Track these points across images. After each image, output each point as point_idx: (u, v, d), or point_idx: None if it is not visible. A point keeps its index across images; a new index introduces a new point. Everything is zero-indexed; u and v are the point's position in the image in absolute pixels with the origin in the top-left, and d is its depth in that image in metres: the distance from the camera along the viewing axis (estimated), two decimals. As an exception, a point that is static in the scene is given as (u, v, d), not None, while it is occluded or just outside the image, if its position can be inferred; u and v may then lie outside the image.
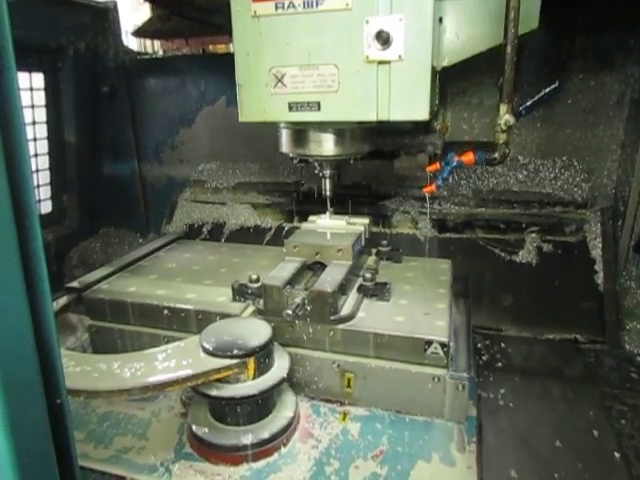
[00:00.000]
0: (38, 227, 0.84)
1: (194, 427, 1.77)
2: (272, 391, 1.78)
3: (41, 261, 0.86)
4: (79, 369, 1.67)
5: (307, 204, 3.32)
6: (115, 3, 3.46)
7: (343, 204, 2.57)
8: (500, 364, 2.45)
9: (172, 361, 1.71)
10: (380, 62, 1.88)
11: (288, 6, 1.90)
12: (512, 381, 2.23)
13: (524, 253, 2.90)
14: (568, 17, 2.63)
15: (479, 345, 2.61)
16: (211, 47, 4.11)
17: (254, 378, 1.74)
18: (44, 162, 3.44)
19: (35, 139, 3.34)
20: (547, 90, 2.71)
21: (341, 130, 2.16)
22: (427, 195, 2.93)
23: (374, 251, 2.61)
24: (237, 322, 1.94)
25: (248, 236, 3.39)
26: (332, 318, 1.94)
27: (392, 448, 1.76)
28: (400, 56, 1.84)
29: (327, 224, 2.42)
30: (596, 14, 2.64)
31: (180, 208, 3.62)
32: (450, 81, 2.91)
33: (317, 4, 1.87)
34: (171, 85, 3.62)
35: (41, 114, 3.36)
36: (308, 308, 1.94)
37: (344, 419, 1.91)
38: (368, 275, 2.15)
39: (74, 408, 1.98)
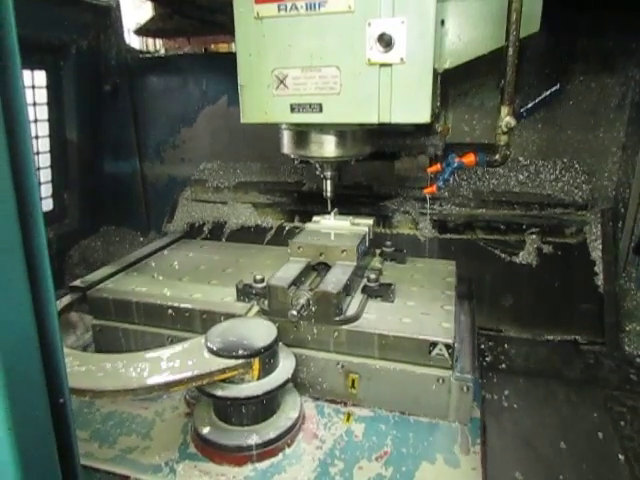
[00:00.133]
0: (42, 225, 0.84)
1: (198, 427, 1.77)
2: (277, 392, 1.78)
3: (45, 259, 0.85)
4: (84, 368, 1.67)
5: (308, 204, 3.32)
6: (117, 1, 3.46)
7: (344, 204, 2.57)
8: (504, 365, 2.47)
9: (177, 361, 1.71)
10: (382, 64, 1.88)
11: (291, 8, 1.90)
12: (516, 383, 2.24)
13: (524, 254, 2.91)
14: (569, 19, 2.64)
15: (482, 346, 2.62)
16: (213, 46, 4.10)
17: (259, 378, 1.74)
18: (45, 160, 3.44)
19: (37, 137, 3.33)
20: (548, 92, 2.72)
21: (342, 132, 2.16)
22: (428, 196, 2.95)
23: (378, 252, 2.61)
24: (242, 322, 1.94)
25: (249, 236, 3.39)
26: (337, 319, 1.94)
27: (396, 449, 1.76)
28: (402, 59, 1.85)
29: (331, 225, 2.43)
30: (597, 16, 2.65)
31: (181, 207, 3.62)
32: (451, 83, 2.91)
33: (320, 6, 1.87)
34: (173, 84, 3.61)
35: (43, 112, 3.36)
36: (313, 309, 1.94)
37: (348, 420, 1.91)
38: (372, 276, 2.16)
39: (78, 407, 1.98)
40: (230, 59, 2.09)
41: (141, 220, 3.90)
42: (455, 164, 2.14)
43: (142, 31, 3.73)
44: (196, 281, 2.42)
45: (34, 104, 3.26)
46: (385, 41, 1.83)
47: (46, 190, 3.48)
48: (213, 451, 1.73)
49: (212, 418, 1.81)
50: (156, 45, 4.44)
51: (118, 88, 3.62)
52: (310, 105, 2.00)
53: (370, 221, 2.44)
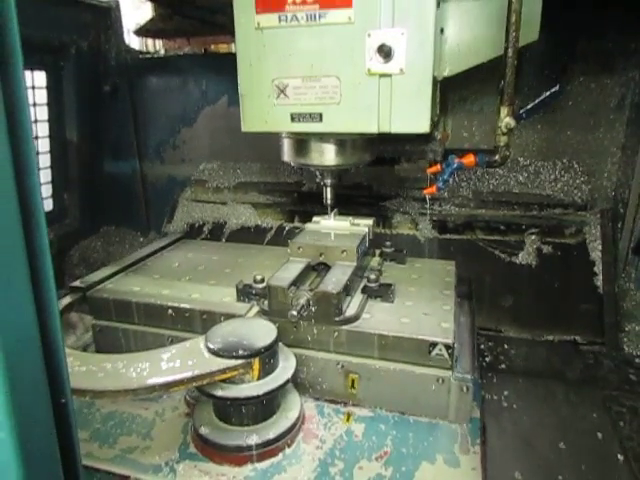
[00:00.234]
0: (44, 225, 0.84)
1: (199, 427, 1.77)
2: (277, 392, 1.78)
3: (47, 260, 0.85)
4: (84, 369, 1.67)
5: (308, 204, 3.33)
6: (117, 2, 3.47)
7: (344, 205, 2.57)
8: (503, 366, 2.47)
9: (177, 361, 1.71)
10: (382, 75, 1.90)
11: (291, 19, 1.92)
12: (515, 383, 2.24)
13: (524, 254, 2.92)
14: (569, 20, 2.64)
15: (482, 347, 2.62)
16: (213, 47, 4.11)
17: (259, 379, 1.74)
18: (45, 160, 3.44)
19: (37, 137, 3.33)
20: (548, 93, 2.72)
21: (342, 140, 2.17)
22: (427, 196, 2.96)
23: (378, 252, 2.62)
24: (242, 322, 1.95)
25: (249, 236, 3.40)
26: (337, 319, 1.95)
27: (396, 449, 1.77)
28: (401, 69, 1.86)
29: (331, 225, 2.43)
30: (597, 17, 2.66)
31: (181, 207, 3.62)
32: (451, 89, 2.92)
33: (320, 17, 1.89)
34: (173, 84, 3.62)
35: (43, 112, 3.36)
36: (313, 309, 1.95)
37: (348, 420, 1.92)
38: (372, 276, 2.16)
39: (78, 407, 1.98)
40: (230, 59, 2.09)
41: (141, 220, 3.90)
42: (455, 165, 2.14)
43: (142, 31, 3.73)
44: (196, 281, 2.43)
45: (34, 104, 3.26)
46: (385, 52, 1.85)
47: (46, 190, 3.48)
48: (213, 451, 1.73)
49: (212, 418, 1.81)
50: (156, 46, 4.45)
51: (118, 88, 3.62)
52: (310, 115, 2.02)
53: (370, 221, 2.44)
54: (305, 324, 1.98)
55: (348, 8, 1.85)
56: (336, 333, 1.96)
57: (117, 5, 3.48)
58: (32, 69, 3.20)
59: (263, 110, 2.06)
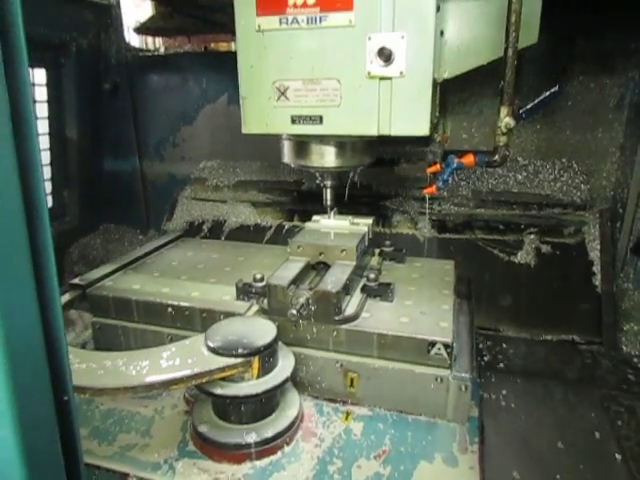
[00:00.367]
0: (47, 222, 0.84)
1: (198, 425, 1.78)
2: (276, 390, 1.78)
3: (50, 257, 0.86)
4: (84, 366, 1.68)
5: (307, 203, 3.33)
6: (118, 0, 3.47)
7: (343, 204, 2.58)
8: (502, 365, 2.48)
9: (177, 359, 1.71)
10: (382, 78, 1.90)
11: (292, 21, 1.92)
12: (514, 382, 2.25)
13: (523, 254, 2.92)
14: (568, 20, 2.65)
15: (481, 346, 2.63)
16: (213, 45, 4.10)
17: (258, 377, 1.75)
18: (45, 158, 3.44)
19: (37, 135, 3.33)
20: (547, 93, 2.73)
21: (342, 143, 2.17)
22: (427, 196, 2.96)
23: (377, 251, 2.62)
24: (242, 321, 1.95)
25: (248, 234, 3.40)
26: (336, 318, 1.95)
27: (395, 448, 1.77)
28: (401, 72, 1.87)
29: (331, 224, 2.43)
30: (596, 17, 2.66)
31: (180, 205, 3.62)
32: (451, 91, 2.93)
33: (321, 20, 1.89)
34: (173, 82, 3.62)
35: (43, 110, 3.36)
36: (312, 308, 1.95)
37: (347, 419, 1.92)
38: (372, 275, 2.16)
39: (77, 405, 1.97)
40: (230, 58, 2.09)
41: (141, 218, 3.91)
42: (454, 164, 2.14)
43: (142, 29, 3.73)
44: (195, 279, 2.43)
45: (34, 102, 3.26)
46: (385, 55, 1.85)
47: (45, 188, 3.47)
48: (212, 449, 1.73)
49: (211, 416, 1.82)
50: (156, 44, 4.45)
51: (118, 86, 3.63)
52: (311, 117, 2.02)
53: (369, 221, 2.44)
54: (304, 323, 1.99)
55: (349, 11, 1.85)
56: (335, 332, 1.96)
57: (117, 3, 3.48)
58: (32, 66, 3.20)
59: (264, 112, 2.06)
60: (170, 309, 2.18)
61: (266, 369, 1.77)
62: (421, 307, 2.08)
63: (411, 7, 1.80)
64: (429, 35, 1.82)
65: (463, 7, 1.97)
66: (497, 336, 2.82)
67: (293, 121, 2.04)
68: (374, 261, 2.53)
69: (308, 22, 1.90)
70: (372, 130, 1.97)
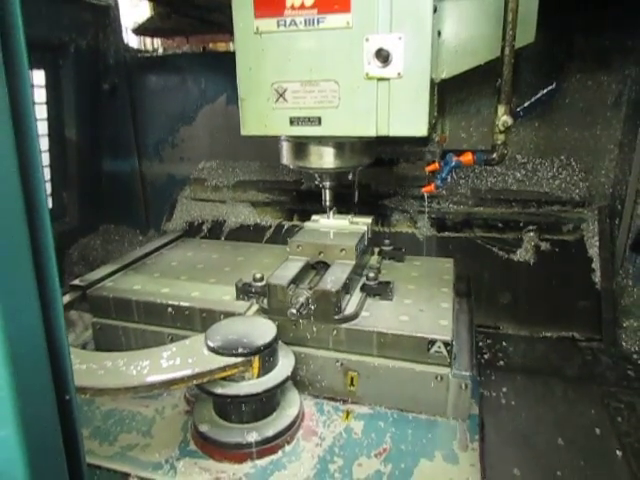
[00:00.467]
0: (48, 223, 0.85)
1: (198, 425, 1.78)
2: (276, 389, 1.79)
3: (51, 258, 0.86)
4: (85, 367, 1.68)
5: (307, 202, 3.33)
6: (116, 1, 3.47)
7: (342, 203, 2.58)
8: (502, 363, 2.48)
9: (177, 359, 1.72)
10: (380, 79, 1.90)
11: (290, 23, 1.92)
12: (514, 380, 2.25)
13: (522, 252, 2.93)
14: (566, 18, 2.65)
15: (480, 344, 2.63)
16: (211, 45, 4.11)
17: (259, 376, 1.75)
18: (44, 159, 3.44)
19: (36, 136, 3.34)
20: (544, 91, 2.73)
21: (341, 144, 2.17)
22: (426, 194, 2.96)
23: (377, 250, 2.62)
24: (242, 321, 1.95)
25: (247, 234, 3.40)
26: (336, 317, 1.95)
27: (395, 446, 1.77)
28: (399, 73, 1.87)
29: (330, 223, 2.44)
30: (594, 15, 2.66)
31: (180, 206, 3.63)
32: (449, 91, 2.94)
33: (318, 22, 1.89)
34: (171, 83, 3.62)
35: (42, 111, 3.36)
36: (312, 307, 1.95)
37: (347, 417, 1.92)
38: (371, 274, 2.16)
39: (78, 405, 1.98)
40: (229, 58, 2.09)
41: (140, 219, 3.91)
42: (453, 163, 2.15)
43: (140, 30, 3.74)
44: (195, 280, 2.43)
45: (33, 103, 3.26)
46: (383, 56, 1.86)
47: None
48: (213, 448, 1.73)
49: (212, 416, 1.82)
50: (154, 44, 4.45)
51: (117, 87, 3.63)
52: (309, 118, 2.02)
53: (369, 220, 2.44)
54: (304, 322, 1.99)
55: (346, 13, 1.85)
56: (335, 331, 1.96)
57: (116, 4, 3.49)
58: (31, 68, 3.19)
59: (262, 114, 2.07)
60: (170, 309, 2.18)
61: (266, 368, 1.77)
62: (421, 305, 2.08)
63: (408, 8, 1.81)
64: (426, 36, 1.82)
65: (460, 7, 1.97)
66: (497, 334, 2.83)
67: (292, 122, 2.05)
68: (373, 260, 2.53)
69: (306, 24, 1.90)
70: (370, 131, 1.98)
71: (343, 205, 2.56)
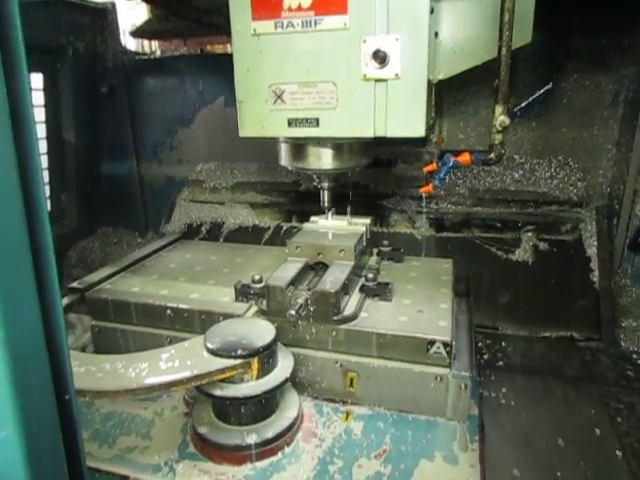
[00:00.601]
0: (48, 227, 0.85)
1: (198, 427, 1.78)
2: (275, 391, 1.79)
3: (51, 260, 0.86)
4: (84, 369, 1.68)
5: (305, 204, 3.33)
6: (113, 3, 3.47)
7: (341, 204, 2.58)
8: (501, 363, 2.48)
9: (176, 361, 1.72)
10: (377, 80, 1.91)
11: (287, 25, 1.93)
12: (513, 380, 2.25)
13: (520, 252, 2.92)
14: (563, 18, 2.65)
15: (480, 344, 2.63)
16: (209, 47, 4.11)
17: (258, 378, 1.75)
18: (43, 162, 3.42)
19: (34, 139, 3.34)
20: (541, 91, 2.74)
21: (339, 145, 2.18)
22: (424, 195, 2.96)
23: (375, 251, 2.62)
24: (241, 322, 1.96)
25: (246, 236, 3.40)
26: (335, 318, 1.95)
27: (395, 447, 1.77)
28: (397, 74, 1.88)
29: (329, 224, 2.44)
30: (591, 15, 2.66)
31: (179, 208, 3.62)
32: (446, 92, 2.94)
33: (316, 24, 1.90)
34: (169, 85, 3.62)
35: (40, 114, 3.36)
36: (311, 308, 1.95)
37: (347, 418, 1.92)
38: (370, 275, 2.17)
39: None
40: (227, 60, 2.10)
41: (139, 221, 3.90)
42: (451, 163, 2.15)
43: (138, 33, 3.74)
44: (194, 281, 2.43)
45: (31, 105, 3.26)
46: (380, 57, 1.86)
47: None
48: (212, 450, 1.73)
49: (211, 418, 1.82)
50: (152, 47, 4.45)
51: (115, 90, 3.62)
52: (307, 120, 2.03)
53: (367, 220, 2.45)
54: (303, 323, 1.99)
55: (343, 15, 1.86)
56: (334, 332, 1.97)
57: (113, 6, 3.48)
58: (29, 71, 3.18)
59: (260, 115, 2.07)
60: (169, 311, 2.18)
61: (265, 370, 1.77)
62: (420, 306, 2.09)
63: (405, 9, 1.82)
64: (423, 37, 1.83)
65: (457, 8, 1.98)
66: (496, 334, 2.82)
67: (290, 124, 2.05)
68: (372, 261, 2.53)
69: (303, 26, 1.91)
70: (368, 132, 1.98)
71: (342, 206, 2.56)
